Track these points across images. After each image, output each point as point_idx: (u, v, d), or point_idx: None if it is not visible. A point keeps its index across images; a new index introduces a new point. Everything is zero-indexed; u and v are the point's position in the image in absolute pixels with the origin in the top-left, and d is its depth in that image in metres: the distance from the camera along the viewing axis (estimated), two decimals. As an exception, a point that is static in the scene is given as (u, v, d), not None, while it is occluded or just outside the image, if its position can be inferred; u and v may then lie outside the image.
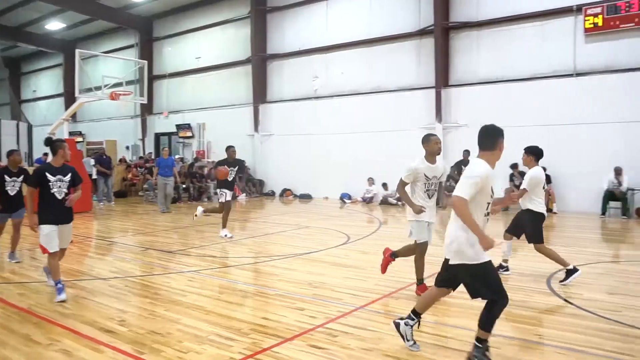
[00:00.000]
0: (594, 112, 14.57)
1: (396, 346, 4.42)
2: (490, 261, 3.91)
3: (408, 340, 4.36)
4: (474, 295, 3.99)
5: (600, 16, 14.73)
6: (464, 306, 5.66)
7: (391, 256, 6.25)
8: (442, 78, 17.39)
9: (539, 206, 6.74)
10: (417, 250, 6.00)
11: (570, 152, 14.83)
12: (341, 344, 4.49)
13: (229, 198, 10.52)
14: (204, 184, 19.97)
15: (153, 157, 23.66)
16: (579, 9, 15.08)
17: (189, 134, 24.84)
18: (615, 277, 7.20)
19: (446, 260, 4.10)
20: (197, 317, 5.25)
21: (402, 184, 5.81)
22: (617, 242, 10.83)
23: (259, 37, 22.15)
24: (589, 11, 14.90)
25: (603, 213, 13.95)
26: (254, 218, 15.17)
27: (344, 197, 18.79)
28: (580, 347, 4.38)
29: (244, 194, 20.51)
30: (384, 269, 6.33)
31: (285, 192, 21.20)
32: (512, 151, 15.32)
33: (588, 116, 14.67)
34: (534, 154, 6.78)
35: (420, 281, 6.04)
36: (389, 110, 18.42)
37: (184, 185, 19.29)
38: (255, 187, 21.84)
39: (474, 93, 16.97)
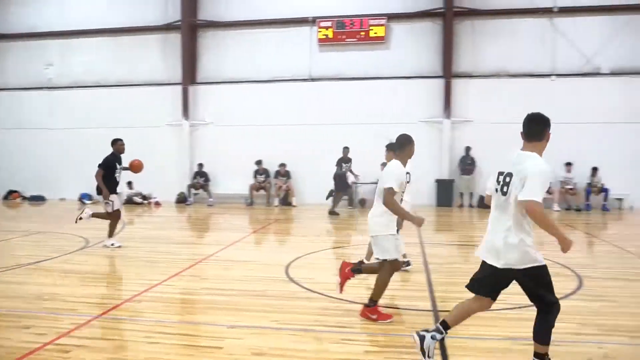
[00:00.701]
0: (327, 115, 16.32)
1: (137, 352, 4.25)
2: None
3: (429, 357, 3.79)
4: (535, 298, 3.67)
5: (330, 29, 16.56)
6: (207, 302, 5.77)
7: (353, 271, 5.39)
8: (190, 75, 17.36)
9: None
10: (390, 269, 5.14)
11: (307, 149, 16.35)
12: (75, 359, 4.13)
13: (117, 206, 8.97)
14: None
15: None
16: (313, 20, 16.68)
17: None
18: (341, 259, 8.14)
19: (493, 267, 3.63)
20: None
21: (392, 194, 4.86)
22: (345, 229, 12.33)
23: (-26, 12, 18.81)
24: (322, 24, 16.62)
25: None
26: (-30, 225, 12.88)
27: (84, 198, 17.28)
28: (310, 326, 4.85)
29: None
30: (341, 287, 5.42)
31: (12, 194, 18.51)
32: (256, 147, 16.33)
33: (321, 118, 16.37)
34: (394, 149, 7.00)
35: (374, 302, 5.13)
36: (135, 105, 17.58)
37: None
38: (-29, 189, 18.54)
39: (221, 91, 17.38)
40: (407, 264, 7.13)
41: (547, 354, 3.65)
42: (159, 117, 17.41)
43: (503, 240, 3.53)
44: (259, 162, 16.44)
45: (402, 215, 4.98)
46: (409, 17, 16.30)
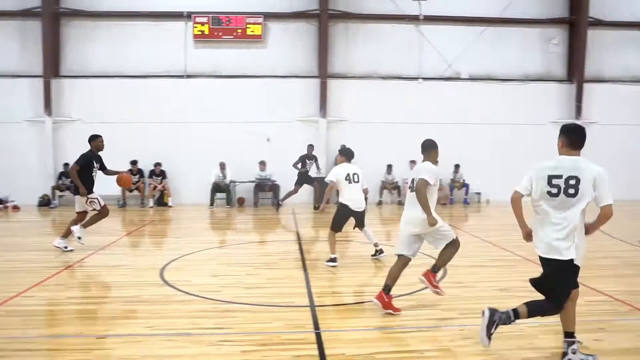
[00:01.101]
0: (203, 112, 15.92)
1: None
2: None
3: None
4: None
5: (206, 25, 16.17)
6: (73, 312, 5.40)
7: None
8: (52, 67, 15.97)
9: (342, 198, 7.52)
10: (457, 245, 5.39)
11: (183, 148, 15.88)
12: None
13: (102, 203, 8.39)
14: None
15: None
16: (189, 15, 16.18)
17: None
18: (219, 260, 8.06)
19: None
20: None
21: (425, 186, 5.10)
22: (223, 229, 12.18)
23: None
24: (197, 19, 16.16)
25: (211, 204, 15.46)
26: None
27: None
28: (186, 329, 4.71)
29: None
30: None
31: None
32: (128, 146, 15.46)
33: (198, 116, 15.95)
34: (344, 154, 7.79)
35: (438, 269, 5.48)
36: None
37: None
38: None
39: (89, 86, 16.17)
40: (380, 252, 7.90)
41: (516, 318, 3.90)
42: (17, 112, 15.80)
43: (570, 236, 3.81)
44: (134, 162, 15.58)
45: (426, 207, 5.09)
46: (286, 17, 16.45)
